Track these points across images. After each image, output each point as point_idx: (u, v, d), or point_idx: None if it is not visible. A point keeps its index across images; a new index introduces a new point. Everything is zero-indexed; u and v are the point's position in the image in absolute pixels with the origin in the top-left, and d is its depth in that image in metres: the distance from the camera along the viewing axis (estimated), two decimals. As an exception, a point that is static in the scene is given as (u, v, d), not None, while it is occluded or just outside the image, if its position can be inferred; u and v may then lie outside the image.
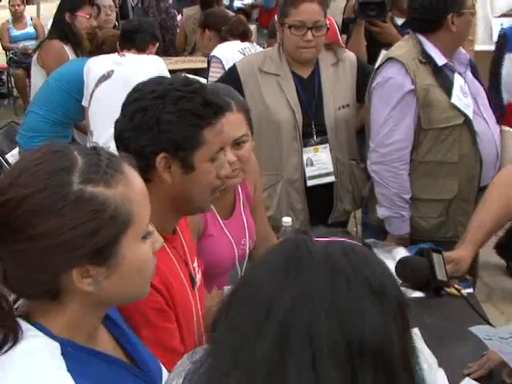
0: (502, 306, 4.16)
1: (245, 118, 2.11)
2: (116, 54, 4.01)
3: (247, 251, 2.29)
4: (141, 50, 4.04)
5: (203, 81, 4.41)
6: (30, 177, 1.13)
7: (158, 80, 1.68)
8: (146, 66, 3.86)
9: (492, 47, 5.24)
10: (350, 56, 3.13)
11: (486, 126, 2.88)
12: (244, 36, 4.47)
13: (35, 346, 1.15)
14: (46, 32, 7.72)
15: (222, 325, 0.97)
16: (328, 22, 2.96)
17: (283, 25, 2.94)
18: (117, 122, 1.66)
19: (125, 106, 1.65)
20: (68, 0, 4.91)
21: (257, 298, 0.93)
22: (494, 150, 2.88)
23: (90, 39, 4.29)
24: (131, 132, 1.60)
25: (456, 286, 2.44)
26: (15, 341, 1.13)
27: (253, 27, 7.31)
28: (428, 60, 2.82)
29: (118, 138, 1.64)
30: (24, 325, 1.16)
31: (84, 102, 4.01)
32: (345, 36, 4.05)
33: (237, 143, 2.09)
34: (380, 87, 2.85)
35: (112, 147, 1.66)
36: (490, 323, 2.32)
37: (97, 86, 3.89)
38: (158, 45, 4.21)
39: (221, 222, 2.20)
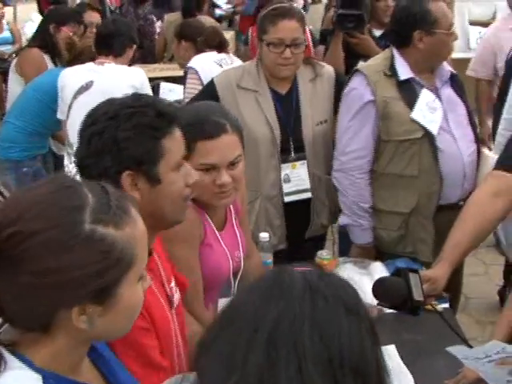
0: (478, 315, 4.21)
1: (239, 139, 2.10)
2: (92, 62, 3.95)
3: (241, 264, 2.30)
4: (118, 55, 3.96)
5: (181, 88, 4.43)
6: (41, 211, 1.13)
7: (109, 101, 1.69)
8: (127, 79, 3.83)
9: (469, 55, 5.31)
10: (328, 70, 3.13)
11: (454, 143, 2.87)
12: (221, 47, 4.47)
13: (16, 378, 1.14)
14: (22, 35, 7.65)
15: (212, 344, 1.02)
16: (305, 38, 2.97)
17: (262, 41, 2.93)
18: (76, 151, 1.66)
19: (80, 133, 1.65)
20: (56, 12, 4.92)
21: (246, 315, 1.01)
22: (460, 169, 2.87)
23: (69, 49, 4.25)
24: (91, 158, 1.60)
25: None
26: None
27: (231, 33, 7.33)
28: (393, 73, 2.87)
29: (80, 166, 1.63)
30: (6, 355, 1.15)
31: (59, 115, 3.95)
32: (323, 47, 4.07)
33: (231, 163, 2.09)
34: (345, 97, 2.93)
35: None
36: (465, 340, 2.35)
37: (75, 97, 3.83)
38: (135, 47, 4.12)
39: (216, 232, 2.21)
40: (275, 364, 0.96)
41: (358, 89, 2.88)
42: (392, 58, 2.89)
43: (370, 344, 1.01)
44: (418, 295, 2.29)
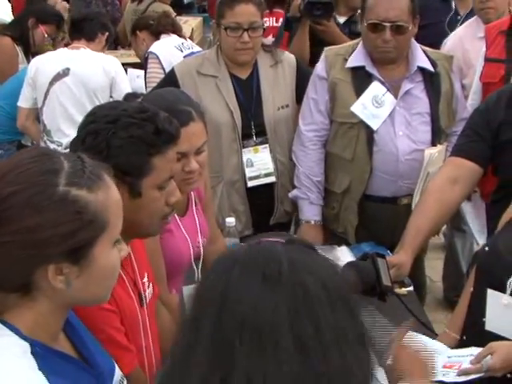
0: (442, 297, 4.28)
1: (203, 125, 2.12)
2: (65, 48, 3.97)
3: (201, 250, 2.31)
4: (90, 39, 4.00)
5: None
6: (19, 174, 1.20)
7: (114, 104, 1.73)
8: (102, 66, 3.85)
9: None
10: (288, 58, 3.14)
11: (393, 139, 2.83)
12: (175, 29, 4.54)
13: (6, 345, 1.19)
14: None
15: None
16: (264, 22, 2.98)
17: (220, 26, 2.93)
18: (71, 143, 1.68)
19: (80, 128, 1.68)
20: (41, 8, 4.93)
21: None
22: (393, 166, 2.84)
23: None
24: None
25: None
26: None
27: (199, 20, 7.28)
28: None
29: None
30: None
31: (26, 103, 3.94)
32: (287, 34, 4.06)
33: (198, 150, 2.10)
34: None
35: None
36: (424, 324, 2.37)
37: (52, 84, 3.83)
38: (107, 34, 4.16)
39: (177, 218, 2.21)
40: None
41: (318, 67, 2.97)
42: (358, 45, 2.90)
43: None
44: (386, 280, 2.28)
